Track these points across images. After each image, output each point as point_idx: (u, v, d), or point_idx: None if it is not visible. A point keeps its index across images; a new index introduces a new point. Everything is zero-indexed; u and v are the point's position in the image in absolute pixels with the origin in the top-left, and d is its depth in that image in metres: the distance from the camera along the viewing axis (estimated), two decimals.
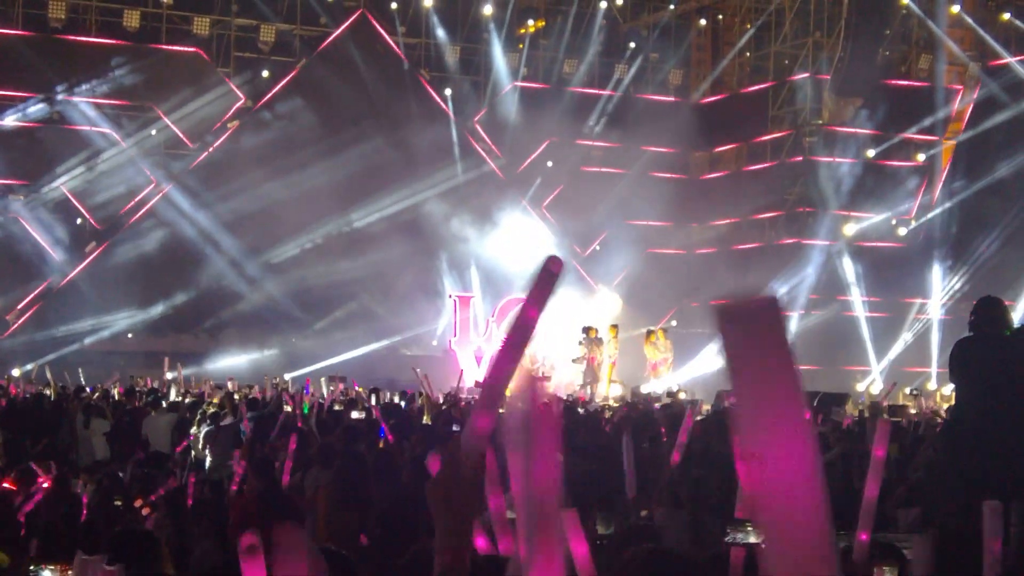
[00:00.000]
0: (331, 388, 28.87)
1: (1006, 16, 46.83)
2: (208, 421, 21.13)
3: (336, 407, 22.18)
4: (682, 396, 29.19)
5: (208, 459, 19.70)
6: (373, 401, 23.46)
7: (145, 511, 12.46)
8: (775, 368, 2.04)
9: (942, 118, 46.41)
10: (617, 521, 8.15)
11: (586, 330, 35.86)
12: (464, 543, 2.79)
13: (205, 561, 9.94)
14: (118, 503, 13.35)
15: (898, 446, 16.20)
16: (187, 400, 26.15)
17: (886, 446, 5.03)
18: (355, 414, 19.56)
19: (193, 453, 21.36)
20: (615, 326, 37.03)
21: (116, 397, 27.30)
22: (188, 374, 33.94)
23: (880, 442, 5.02)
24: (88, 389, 28.23)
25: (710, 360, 36.96)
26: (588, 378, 35.31)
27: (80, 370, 33.71)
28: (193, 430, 22.39)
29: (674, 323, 41.13)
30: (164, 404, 25.35)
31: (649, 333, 36.98)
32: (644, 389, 33.66)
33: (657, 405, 25.14)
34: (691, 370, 36.64)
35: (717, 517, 8.86)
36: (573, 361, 35.53)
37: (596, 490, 10.19)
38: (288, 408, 20.87)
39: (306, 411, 20.27)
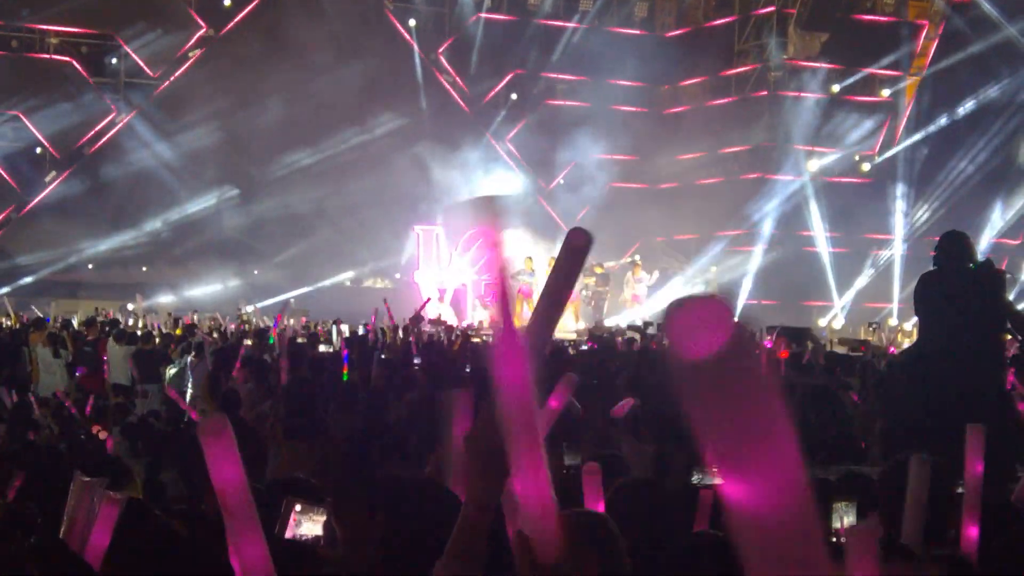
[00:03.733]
0: (292, 321, 28.83)
1: None
2: (194, 351, 21.16)
3: (299, 340, 22.11)
4: (651, 331, 29.23)
5: (189, 390, 19.73)
6: (335, 333, 23.43)
7: (108, 442, 12.41)
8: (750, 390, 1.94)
9: (907, 53, 46.37)
10: (584, 451, 8.12)
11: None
12: (495, 501, 2.72)
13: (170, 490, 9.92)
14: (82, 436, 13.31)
15: (859, 380, 16.28)
16: (141, 331, 26.08)
17: (982, 458, 4.74)
18: (322, 347, 19.53)
19: (167, 382, 21.40)
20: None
21: (76, 327, 27.19)
22: (148, 305, 33.88)
23: (974, 455, 4.74)
24: (47, 320, 28.07)
25: (680, 292, 37.04)
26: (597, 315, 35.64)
27: (48, 302, 33.59)
28: (174, 364, 22.41)
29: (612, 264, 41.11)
30: (124, 334, 25.22)
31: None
32: (608, 323, 33.74)
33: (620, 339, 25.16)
34: (656, 304, 36.63)
35: (680, 448, 8.83)
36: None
37: (561, 421, 10.17)
38: (248, 342, 20.83)
39: (271, 341, 20.20)
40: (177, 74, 42.73)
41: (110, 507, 3.90)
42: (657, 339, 23.75)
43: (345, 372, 16.06)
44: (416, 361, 17.41)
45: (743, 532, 1.84)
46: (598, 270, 36.09)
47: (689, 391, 1.84)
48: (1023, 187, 43.68)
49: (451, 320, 32.58)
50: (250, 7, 43.74)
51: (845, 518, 5.84)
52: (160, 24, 42.37)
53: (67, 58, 41.46)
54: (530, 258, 36.25)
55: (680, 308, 1.72)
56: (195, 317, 31.10)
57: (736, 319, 1.85)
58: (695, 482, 4.87)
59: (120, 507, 3.92)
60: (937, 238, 11.48)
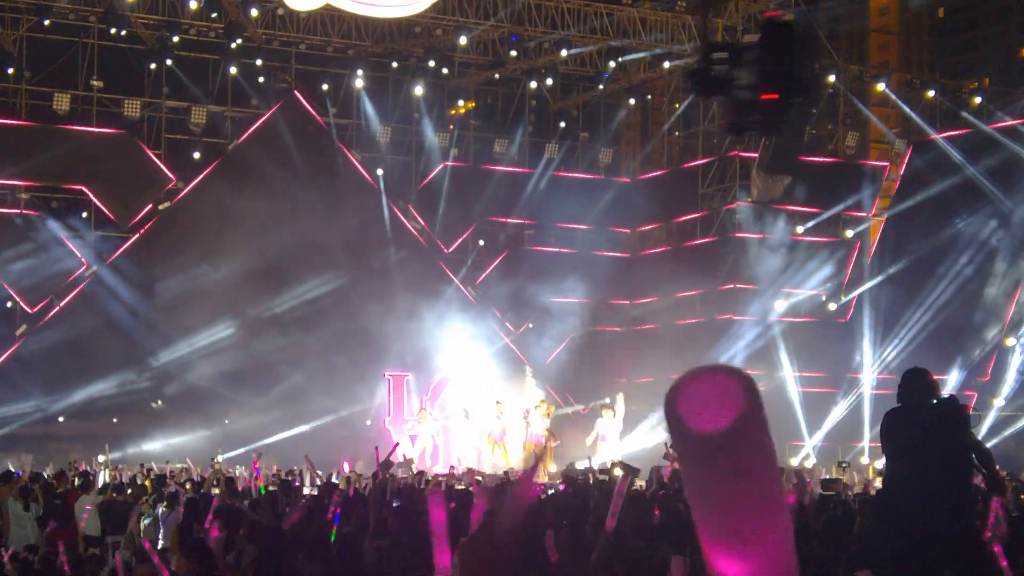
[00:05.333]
0: (265, 470, 28.81)
1: (930, 94, 47.61)
2: (166, 503, 21.15)
3: (271, 488, 22.10)
4: (617, 472, 29.22)
5: (160, 541, 19.70)
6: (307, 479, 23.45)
7: None
8: (755, 465, 1.99)
9: (869, 194, 46.97)
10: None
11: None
12: None
13: None
14: None
15: (825, 519, 16.32)
16: (114, 483, 26.01)
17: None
18: (306, 489, 19.56)
19: (139, 535, 21.30)
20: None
21: (47, 479, 27.08)
22: (118, 456, 33.79)
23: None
24: (17, 473, 27.92)
25: (647, 436, 37.17)
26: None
27: (19, 455, 33.44)
28: (146, 516, 22.34)
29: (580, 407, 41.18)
30: (97, 487, 25.13)
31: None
32: (579, 465, 33.72)
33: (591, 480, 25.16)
34: (628, 445, 36.62)
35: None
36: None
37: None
38: (216, 491, 20.83)
39: (263, 491, 20.23)
40: (147, 227, 42.95)
41: None
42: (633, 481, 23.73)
43: (334, 531, 16.03)
44: (395, 504, 17.46)
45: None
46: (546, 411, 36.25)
47: (696, 463, 1.92)
48: (990, 323, 44.06)
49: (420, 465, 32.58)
50: (217, 160, 44.07)
51: None
52: (129, 177, 42.69)
53: (37, 212, 41.67)
54: (499, 402, 36.37)
55: (691, 381, 1.82)
56: (168, 468, 31.02)
57: (748, 391, 1.92)
58: None
59: None
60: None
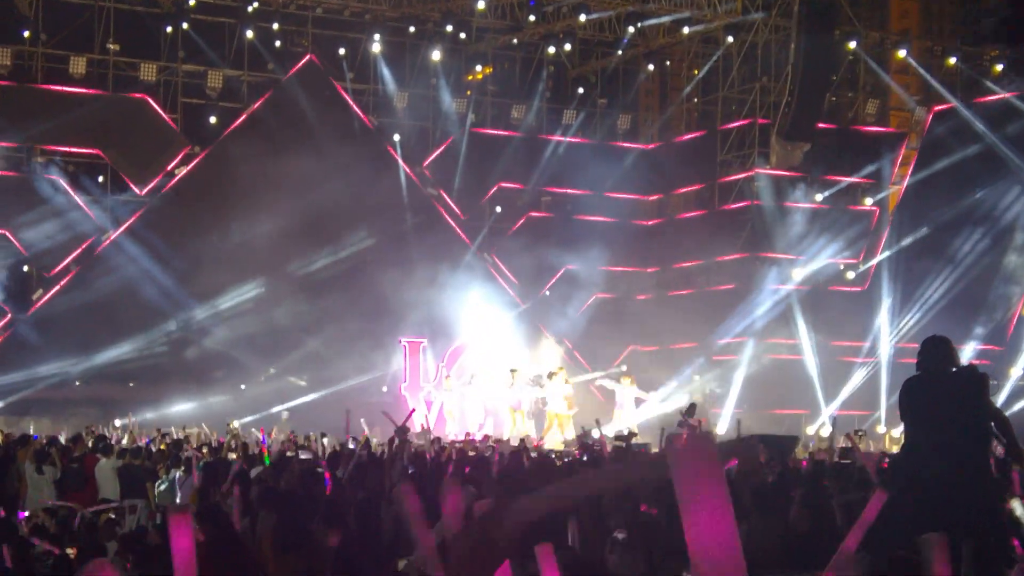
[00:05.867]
0: (281, 435, 28.84)
1: (952, 61, 47.32)
2: (183, 467, 21.16)
3: (288, 454, 22.10)
4: (635, 441, 29.15)
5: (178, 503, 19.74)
6: (320, 446, 23.44)
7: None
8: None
9: (889, 162, 46.75)
10: (564, 563, 8.11)
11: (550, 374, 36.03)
12: None
13: None
14: (70, 552, 13.29)
15: (840, 487, 16.23)
16: (132, 447, 26.03)
17: (948, 565, 4.68)
18: (303, 454, 19.53)
19: (156, 498, 21.39)
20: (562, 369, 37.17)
21: (63, 443, 27.12)
22: (134, 422, 33.81)
23: (941, 564, 4.68)
24: (34, 437, 27.97)
25: (660, 404, 37.11)
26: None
27: (36, 419, 33.52)
28: (161, 478, 22.39)
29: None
30: (114, 451, 25.15)
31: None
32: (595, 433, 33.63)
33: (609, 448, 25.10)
34: (643, 413, 36.56)
35: (671, 556, 8.83)
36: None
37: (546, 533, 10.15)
38: (233, 456, 20.82)
39: (268, 463, 20.20)
40: (163, 191, 42.89)
41: None
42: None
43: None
44: (410, 471, 17.44)
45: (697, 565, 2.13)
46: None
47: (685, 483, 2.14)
48: (1008, 293, 43.89)
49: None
50: (234, 125, 43.98)
51: None
52: (146, 141, 42.62)
53: (53, 176, 41.59)
54: (514, 370, 36.27)
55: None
56: (185, 432, 31.07)
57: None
58: None
59: None
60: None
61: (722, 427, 38.01)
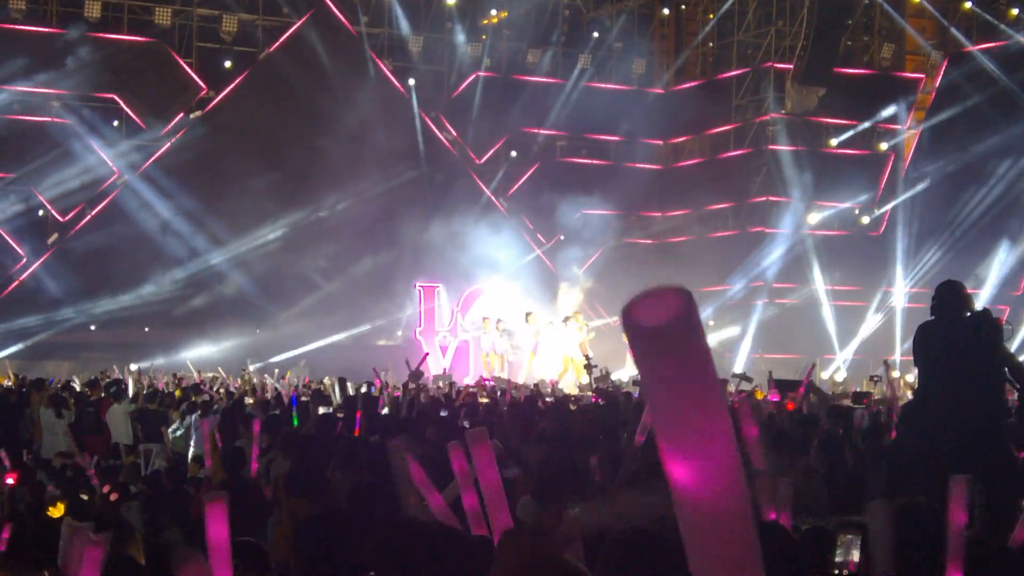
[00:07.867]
0: (295, 381, 28.90)
1: (967, 5, 47.02)
2: (200, 411, 21.21)
3: (303, 399, 22.14)
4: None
5: (192, 449, 19.79)
6: (338, 392, 23.45)
7: (113, 497, 12.45)
8: (693, 369, 2.02)
9: (904, 106, 46.58)
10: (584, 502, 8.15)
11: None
12: None
13: (172, 550, 9.91)
14: (84, 496, 13.35)
15: (856, 433, 16.24)
16: (148, 391, 26.11)
17: (965, 508, 4.75)
18: (321, 409, 19.53)
19: (170, 443, 21.46)
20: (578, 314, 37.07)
21: (78, 388, 27.22)
22: (148, 366, 33.92)
23: (958, 505, 4.75)
24: (50, 381, 28.06)
25: None
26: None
27: (51, 363, 33.61)
28: (175, 424, 22.44)
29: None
30: (129, 396, 25.23)
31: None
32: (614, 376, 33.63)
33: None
34: None
35: None
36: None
37: (565, 474, 10.20)
38: (249, 400, 20.86)
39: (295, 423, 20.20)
40: (178, 135, 42.85)
41: (94, 550, 3.99)
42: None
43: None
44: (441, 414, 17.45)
45: (682, 510, 1.94)
46: (500, 327, 35.94)
47: (642, 356, 1.95)
48: (1022, 238, 43.75)
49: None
50: (249, 69, 43.91)
51: (853, 550, 5.83)
52: (161, 86, 42.57)
53: (68, 120, 41.56)
54: (530, 313, 36.23)
55: (643, 293, 1.88)
56: (199, 377, 31.13)
57: (681, 292, 1.97)
58: None
59: (104, 548, 4.02)
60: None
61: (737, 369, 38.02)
